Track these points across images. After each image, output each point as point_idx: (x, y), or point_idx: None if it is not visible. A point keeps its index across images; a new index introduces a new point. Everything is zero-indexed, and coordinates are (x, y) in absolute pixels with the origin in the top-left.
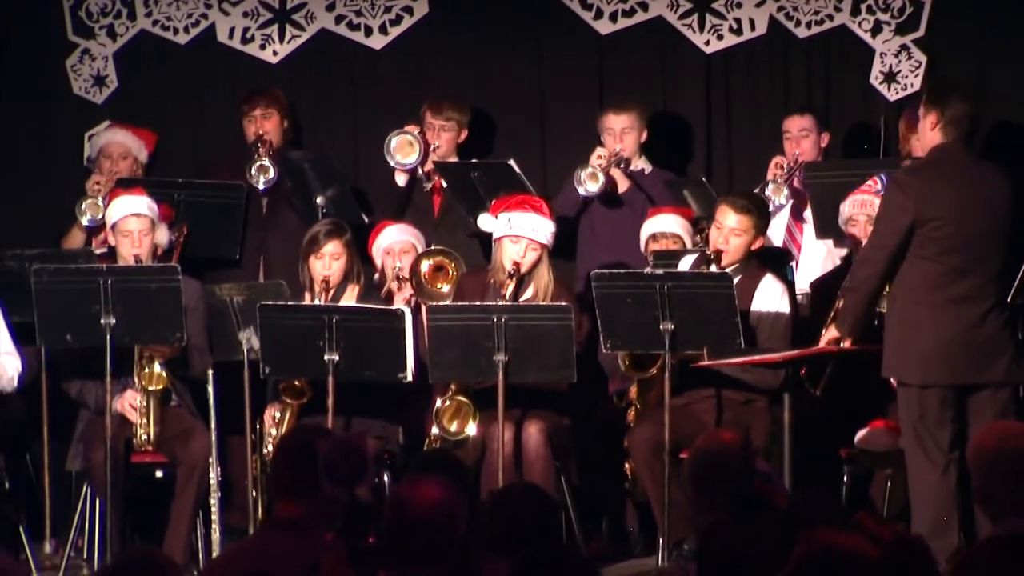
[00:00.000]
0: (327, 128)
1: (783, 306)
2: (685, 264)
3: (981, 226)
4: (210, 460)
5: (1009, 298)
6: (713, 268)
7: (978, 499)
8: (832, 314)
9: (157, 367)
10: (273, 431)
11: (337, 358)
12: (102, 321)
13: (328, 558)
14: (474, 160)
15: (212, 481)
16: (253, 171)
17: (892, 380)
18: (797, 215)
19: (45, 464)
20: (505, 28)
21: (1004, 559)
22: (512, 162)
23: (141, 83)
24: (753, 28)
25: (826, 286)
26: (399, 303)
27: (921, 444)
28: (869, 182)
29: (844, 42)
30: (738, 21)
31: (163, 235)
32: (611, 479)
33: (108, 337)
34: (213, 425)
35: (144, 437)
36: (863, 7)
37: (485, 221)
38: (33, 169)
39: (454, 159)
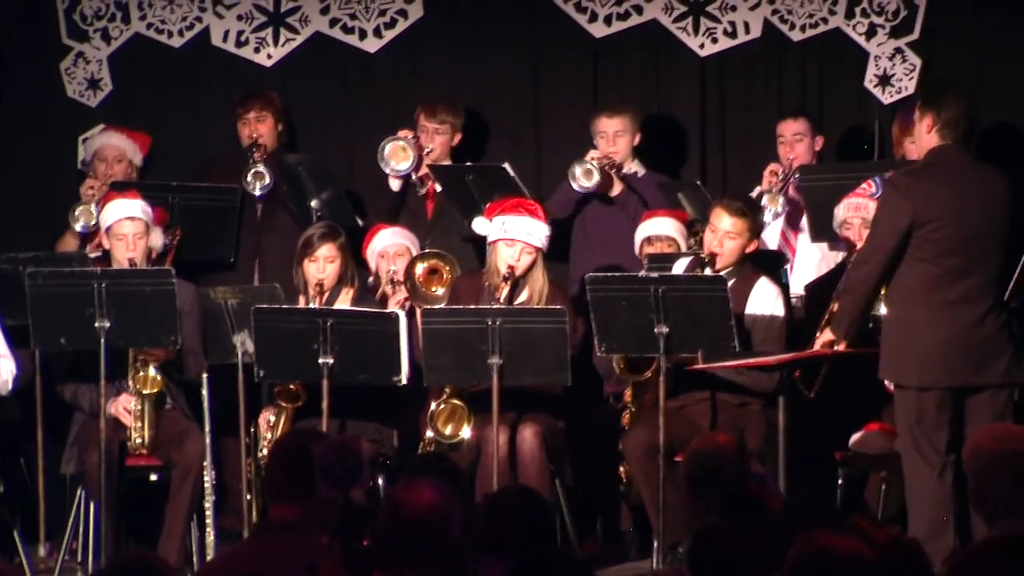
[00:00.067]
0: (321, 131)
1: (778, 309)
2: (679, 267)
3: (979, 227)
4: (204, 463)
5: (1006, 297)
6: (708, 271)
7: (974, 501)
8: (826, 317)
9: (151, 370)
10: (268, 434)
11: (332, 361)
12: (96, 324)
13: (323, 561)
14: (469, 163)
15: (207, 484)
16: (249, 178)
17: (887, 383)
18: (793, 224)
19: (39, 467)
20: (500, 31)
21: (1000, 561)
22: (507, 165)
23: (135, 86)
24: (747, 31)
25: (821, 289)
26: (393, 306)
27: (918, 447)
28: (864, 185)
29: (838, 45)
30: (732, 24)
31: (157, 238)
32: (606, 482)
33: (102, 340)
34: (207, 428)
35: (138, 440)
36: (857, 10)
37: (480, 224)
38: (27, 172)
39: (448, 162)
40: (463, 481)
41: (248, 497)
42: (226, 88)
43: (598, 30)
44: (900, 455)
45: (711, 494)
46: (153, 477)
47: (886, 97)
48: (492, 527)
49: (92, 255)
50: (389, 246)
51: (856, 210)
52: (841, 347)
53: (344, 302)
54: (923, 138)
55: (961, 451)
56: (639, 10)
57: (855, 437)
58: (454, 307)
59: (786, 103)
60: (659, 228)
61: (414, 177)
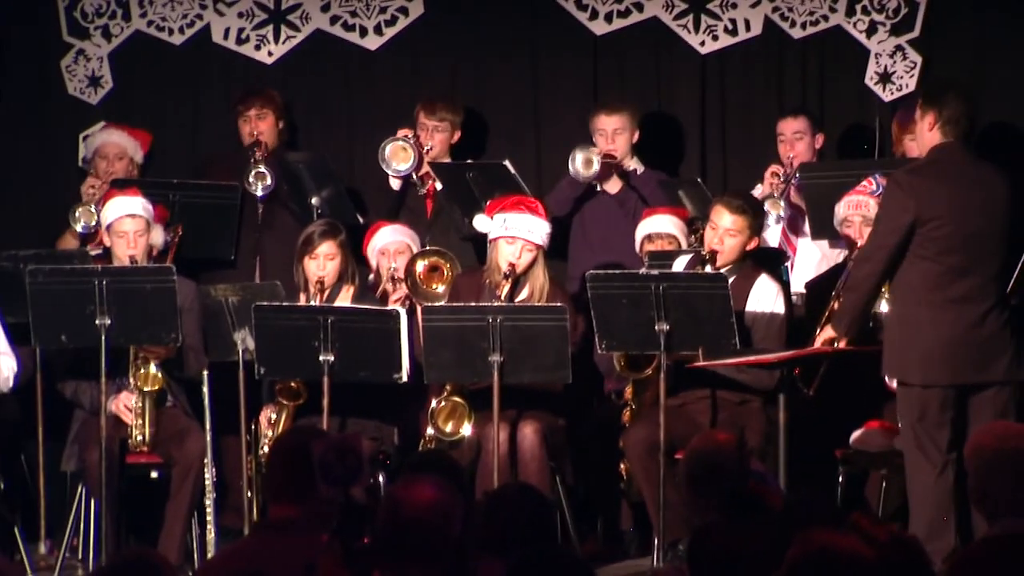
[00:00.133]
0: (322, 129)
1: (778, 306)
2: (680, 265)
3: (980, 226)
4: (205, 461)
5: (1008, 290)
6: (708, 269)
7: (975, 499)
8: (827, 314)
9: (152, 368)
10: (269, 432)
11: (332, 359)
12: (97, 322)
13: (323, 559)
14: (469, 161)
15: (207, 482)
16: (251, 178)
17: (888, 381)
18: (795, 229)
19: (40, 465)
20: (500, 29)
21: (1001, 559)
22: (507, 162)
23: (136, 84)
24: (748, 29)
25: (821, 286)
26: (394, 304)
27: (920, 445)
28: (864, 183)
29: (839, 43)
30: (733, 22)
31: (158, 236)
32: (606, 479)
33: (103, 338)
34: (208, 426)
35: (139, 438)
36: (858, 8)
37: (480, 222)
38: (28, 170)
39: (447, 160)
40: (463, 479)
41: (249, 495)
42: (227, 86)
43: (598, 27)
44: (901, 453)
45: (711, 492)
46: (154, 474)
47: (887, 95)
48: (492, 525)
49: (93, 252)
50: (390, 243)
51: (856, 208)
52: (842, 345)
53: (345, 299)
54: (925, 136)
55: (963, 449)
56: (640, 7)
57: (855, 435)
58: (455, 304)
59: (787, 100)
60: (660, 226)
61: (415, 177)
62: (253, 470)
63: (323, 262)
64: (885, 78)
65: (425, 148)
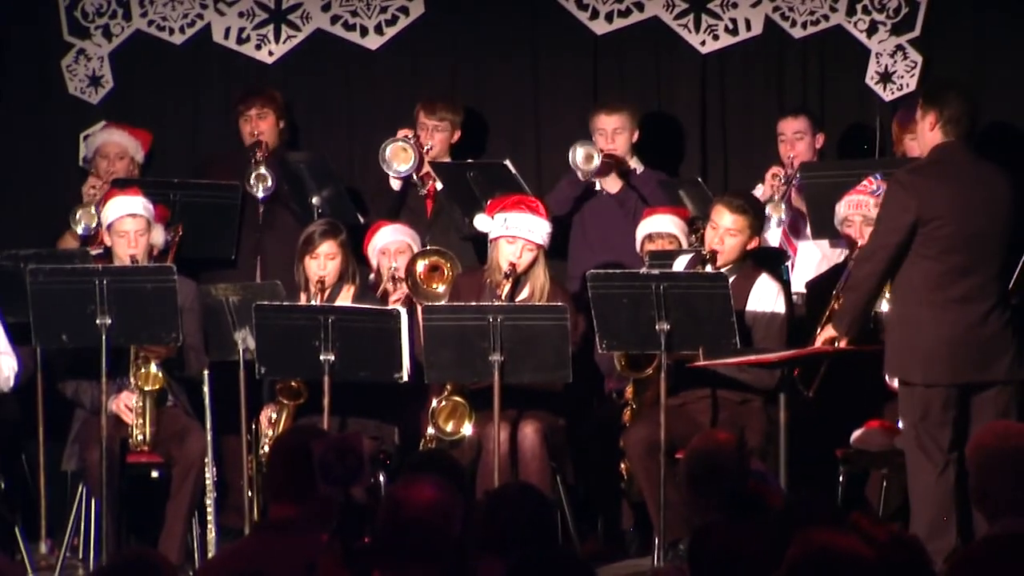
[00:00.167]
0: (322, 128)
1: (778, 306)
2: (680, 264)
3: (982, 226)
4: (206, 460)
5: (1010, 287)
6: (708, 268)
7: (976, 498)
8: (827, 314)
9: (153, 367)
10: (269, 431)
11: (333, 358)
12: (98, 321)
13: (323, 559)
14: (470, 160)
15: (208, 481)
16: (252, 180)
17: (889, 380)
18: (795, 233)
19: (41, 464)
20: (501, 28)
21: (1001, 559)
22: (508, 162)
23: (136, 83)
24: (749, 28)
25: (822, 286)
26: (394, 303)
27: (921, 444)
28: (864, 182)
29: (840, 42)
30: (734, 21)
31: (159, 235)
32: (607, 479)
33: (104, 337)
34: (209, 425)
35: (140, 437)
36: (859, 7)
37: (481, 221)
38: (29, 169)
39: (447, 159)
40: (464, 478)
41: (249, 494)
42: (227, 85)
43: (599, 27)
44: (901, 452)
45: (711, 491)
46: (154, 474)
47: (887, 94)
48: (493, 525)
49: (93, 252)
50: (390, 243)
51: (857, 207)
52: (842, 344)
53: (345, 299)
54: (926, 135)
55: (964, 449)
56: (640, 7)
57: (856, 434)
58: (455, 304)
59: (787, 100)
60: (660, 225)
61: (415, 177)
62: (253, 470)
63: (324, 262)
64: (885, 78)
65: (425, 148)
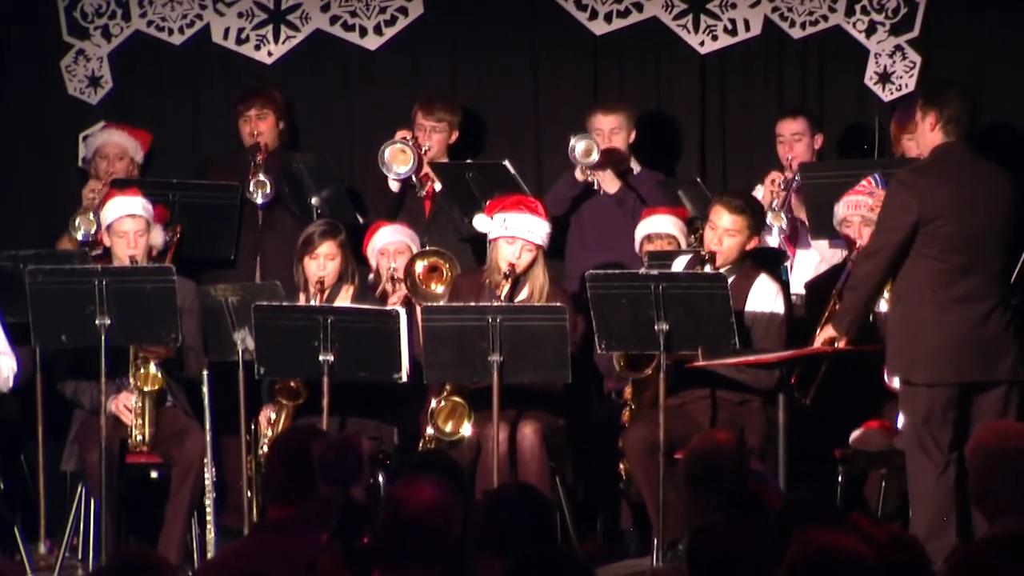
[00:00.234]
0: (322, 129)
1: (777, 306)
2: (679, 264)
3: (983, 225)
4: (205, 461)
5: (1012, 279)
6: (708, 268)
7: (976, 498)
8: (827, 314)
9: (152, 368)
10: (268, 432)
11: (332, 359)
12: (97, 322)
13: (323, 559)
14: (469, 160)
15: (207, 482)
16: (251, 187)
17: (888, 380)
18: (794, 240)
19: (40, 464)
20: (500, 29)
21: (1001, 559)
22: (507, 162)
23: (136, 84)
24: (748, 29)
25: (821, 286)
26: (393, 304)
27: (922, 444)
28: (863, 182)
29: (838, 43)
30: (733, 22)
31: (158, 236)
32: (606, 479)
33: (103, 337)
34: (208, 426)
35: (139, 438)
36: (857, 8)
37: (481, 221)
38: (28, 170)
39: (444, 160)
40: (463, 479)
41: (248, 495)
42: (226, 86)
43: (598, 27)
44: (900, 452)
45: (711, 492)
46: (153, 474)
47: (886, 94)
48: (492, 525)
49: (93, 252)
50: (389, 243)
51: (856, 207)
52: (842, 344)
53: (344, 299)
54: (926, 136)
55: (964, 449)
56: (639, 7)
57: (855, 434)
58: (454, 304)
59: (786, 100)
60: (659, 226)
61: (414, 179)
62: (253, 470)
63: (323, 262)
64: (885, 78)
65: (423, 149)
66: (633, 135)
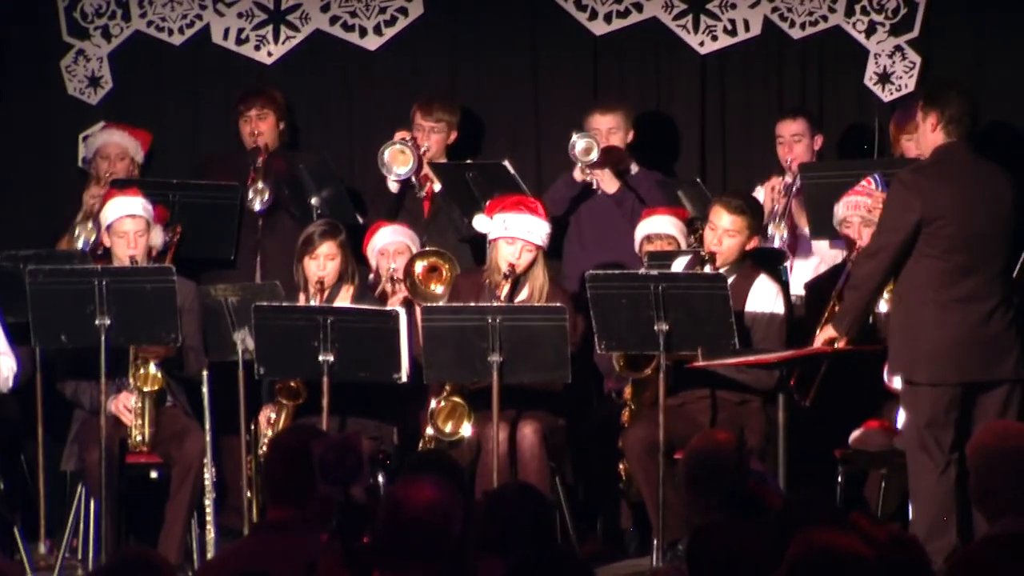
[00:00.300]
0: (322, 129)
1: (777, 306)
2: (679, 265)
3: (984, 225)
4: (205, 461)
5: (1015, 274)
6: (707, 269)
7: (976, 498)
8: (827, 314)
9: (152, 368)
10: (268, 432)
11: (332, 359)
12: (97, 322)
13: (323, 559)
14: (469, 160)
15: (207, 482)
16: (251, 194)
17: (888, 380)
18: (792, 247)
19: (40, 464)
20: (500, 29)
21: (1001, 558)
22: (507, 162)
23: (136, 84)
24: (747, 29)
25: (821, 287)
26: (393, 304)
27: (923, 444)
28: (863, 182)
29: (838, 43)
30: (732, 22)
31: (158, 236)
32: (606, 479)
33: (103, 338)
34: (208, 426)
35: (139, 438)
36: (857, 8)
37: (480, 222)
38: (28, 170)
39: (443, 160)
40: (463, 479)
41: (248, 495)
42: (226, 86)
43: (598, 28)
44: (900, 452)
45: (711, 492)
46: (153, 474)
47: (886, 95)
48: (492, 525)
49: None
50: (389, 243)
51: (856, 208)
52: (841, 344)
53: (344, 299)
54: (927, 137)
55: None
56: (639, 8)
57: (855, 434)
58: (454, 304)
59: (786, 101)
60: (659, 226)
61: (413, 180)
62: (253, 470)
63: (323, 262)
64: (884, 78)
65: (422, 149)
66: (631, 135)
